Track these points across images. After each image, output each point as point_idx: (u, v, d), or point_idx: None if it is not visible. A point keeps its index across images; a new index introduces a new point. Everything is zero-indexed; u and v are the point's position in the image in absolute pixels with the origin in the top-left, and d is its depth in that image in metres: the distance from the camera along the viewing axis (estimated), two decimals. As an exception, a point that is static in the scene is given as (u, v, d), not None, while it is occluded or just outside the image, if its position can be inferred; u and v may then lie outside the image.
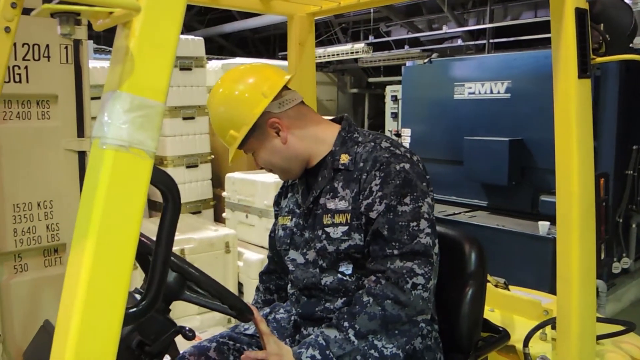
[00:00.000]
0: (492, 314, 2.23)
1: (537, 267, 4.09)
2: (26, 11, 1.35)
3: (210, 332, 3.46)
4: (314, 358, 1.32)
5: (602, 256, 4.00)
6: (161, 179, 0.74)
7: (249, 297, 3.79)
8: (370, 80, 11.58)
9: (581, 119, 1.34)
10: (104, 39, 8.52)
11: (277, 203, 1.75)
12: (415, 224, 1.38)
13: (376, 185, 1.41)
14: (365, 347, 1.33)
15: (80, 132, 2.82)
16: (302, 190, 1.60)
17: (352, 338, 1.32)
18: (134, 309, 0.82)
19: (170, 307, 1.28)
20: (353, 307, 1.36)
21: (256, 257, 3.89)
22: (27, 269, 2.75)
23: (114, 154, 0.61)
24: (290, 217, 1.62)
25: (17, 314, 2.64)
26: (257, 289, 1.83)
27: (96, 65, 4.50)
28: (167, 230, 0.82)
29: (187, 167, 4.54)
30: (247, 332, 1.59)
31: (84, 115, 2.85)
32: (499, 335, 1.62)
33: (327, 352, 1.32)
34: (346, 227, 1.44)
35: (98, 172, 0.61)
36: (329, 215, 1.47)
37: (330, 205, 1.48)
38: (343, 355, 1.32)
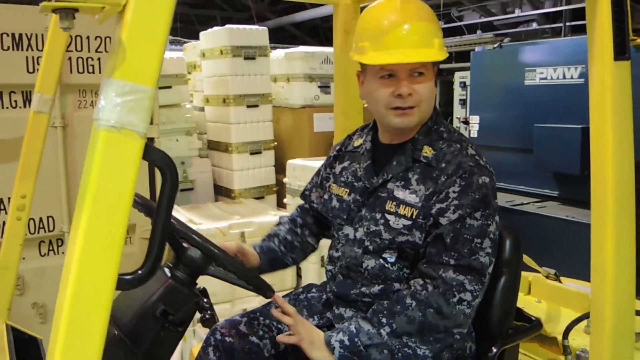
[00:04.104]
0: (539, 305, 2.17)
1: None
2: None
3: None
4: (342, 343, 1.34)
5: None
6: (159, 158, 0.82)
7: (307, 279, 3.87)
8: (441, 66, 11.31)
9: (618, 103, 1.27)
10: (180, 30, 8.81)
11: (330, 166, 1.72)
12: (479, 240, 1.36)
13: (454, 192, 1.39)
14: (398, 345, 1.33)
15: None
16: (366, 164, 1.58)
17: (384, 335, 1.33)
18: (130, 277, 0.90)
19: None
20: (395, 305, 1.36)
21: (314, 243, 3.97)
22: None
23: (106, 134, 0.68)
24: (347, 190, 1.60)
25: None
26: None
27: (172, 55, 4.75)
28: (166, 204, 0.89)
29: (251, 153, 4.68)
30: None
31: (153, 104, 3.02)
32: (531, 325, 1.58)
33: (356, 339, 1.33)
34: (409, 222, 1.43)
35: (94, 150, 0.68)
36: (395, 203, 1.45)
37: (399, 194, 1.46)
38: (370, 346, 1.33)
